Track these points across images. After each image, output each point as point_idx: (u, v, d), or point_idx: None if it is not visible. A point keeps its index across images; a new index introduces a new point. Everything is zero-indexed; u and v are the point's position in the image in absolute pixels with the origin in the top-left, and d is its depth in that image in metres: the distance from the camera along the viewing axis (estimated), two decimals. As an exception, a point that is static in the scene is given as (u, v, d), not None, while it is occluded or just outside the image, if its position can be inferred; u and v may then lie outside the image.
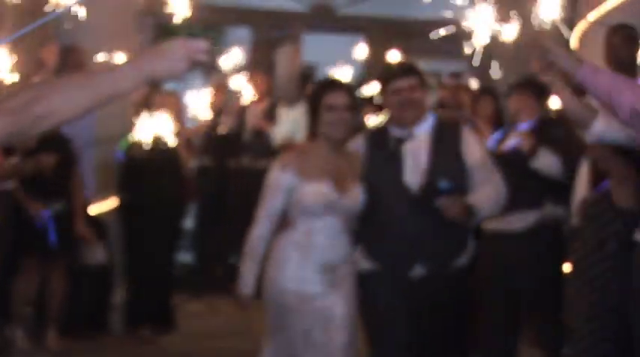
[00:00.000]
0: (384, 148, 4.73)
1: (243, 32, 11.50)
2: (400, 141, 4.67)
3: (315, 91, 4.78)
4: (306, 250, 4.44)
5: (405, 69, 4.91)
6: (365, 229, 4.73)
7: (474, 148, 4.77)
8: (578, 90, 5.47)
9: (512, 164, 5.59)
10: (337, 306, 4.49)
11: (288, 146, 9.06)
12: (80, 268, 7.08)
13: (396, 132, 4.72)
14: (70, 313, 7.08)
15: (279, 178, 4.47)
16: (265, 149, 9.26)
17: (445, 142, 4.69)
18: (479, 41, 5.80)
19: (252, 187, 9.24)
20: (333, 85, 4.78)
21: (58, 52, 6.32)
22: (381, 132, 4.92)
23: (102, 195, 7.58)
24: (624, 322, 4.85)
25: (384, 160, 4.71)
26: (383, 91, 4.86)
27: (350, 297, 4.58)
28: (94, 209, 7.44)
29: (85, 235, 6.93)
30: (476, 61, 5.84)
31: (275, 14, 10.89)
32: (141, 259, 7.50)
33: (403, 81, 4.67)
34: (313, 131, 4.64)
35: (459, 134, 4.77)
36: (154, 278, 7.53)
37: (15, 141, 2.21)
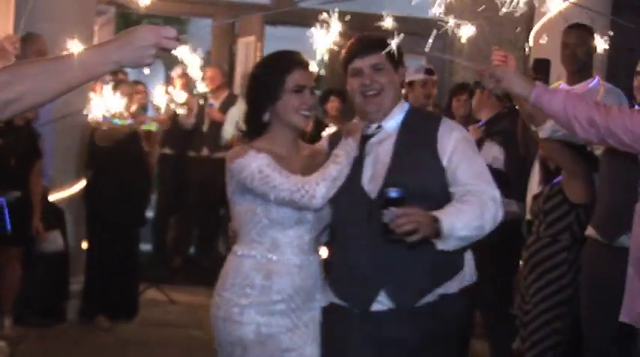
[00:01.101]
0: None
1: (206, 23, 11.48)
2: (365, 138, 3.52)
3: (274, 68, 3.52)
4: (270, 273, 3.41)
5: (365, 44, 3.55)
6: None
7: (456, 146, 3.49)
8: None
9: None
10: (306, 348, 3.51)
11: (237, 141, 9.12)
12: (37, 256, 7.03)
13: (362, 126, 3.58)
14: (27, 300, 7.04)
15: (262, 158, 3.34)
16: (221, 141, 9.33)
17: (417, 138, 3.51)
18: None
19: (210, 177, 9.36)
20: (299, 60, 3.53)
21: (18, 41, 6.28)
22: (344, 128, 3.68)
23: (61, 182, 7.53)
24: (576, 314, 4.95)
25: None
26: (345, 74, 3.62)
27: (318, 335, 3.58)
28: (53, 196, 7.42)
29: (39, 228, 6.89)
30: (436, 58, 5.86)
31: (238, 6, 10.86)
32: (104, 247, 7.46)
33: (363, 60, 3.49)
34: (259, 124, 3.52)
35: (434, 128, 3.51)
36: (117, 267, 7.49)
37: None
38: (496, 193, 3.45)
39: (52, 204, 7.34)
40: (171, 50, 2.34)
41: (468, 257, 3.57)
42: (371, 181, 3.47)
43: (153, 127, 8.04)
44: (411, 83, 7.35)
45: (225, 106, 9.55)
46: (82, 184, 7.71)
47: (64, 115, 6.78)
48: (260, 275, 3.40)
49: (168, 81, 10.56)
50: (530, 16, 8.03)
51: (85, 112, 6.76)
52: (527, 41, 7.90)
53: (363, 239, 3.41)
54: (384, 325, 3.41)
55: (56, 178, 7.44)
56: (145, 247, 9.28)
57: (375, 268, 3.39)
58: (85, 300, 7.46)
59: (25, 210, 6.76)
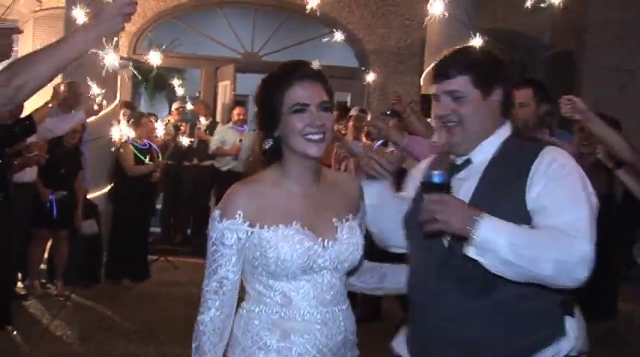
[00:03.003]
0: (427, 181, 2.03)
1: (197, 72, 11.51)
2: (452, 170, 2.11)
3: (273, 85, 2.05)
4: (286, 332, 2.00)
5: (443, 68, 2.13)
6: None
7: (548, 185, 1.97)
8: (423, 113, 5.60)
9: None
10: None
11: (219, 152, 9.21)
12: (79, 237, 7.06)
13: (452, 157, 2.21)
14: (73, 268, 7.04)
15: (222, 232, 1.98)
16: (208, 154, 9.44)
17: (506, 175, 2.05)
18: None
19: (199, 179, 9.47)
20: (301, 73, 2.04)
21: (65, 85, 6.35)
22: (439, 156, 2.33)
23: (96, 185, 7.55)
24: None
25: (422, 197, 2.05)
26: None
27: None
28: (91, 195, 7.43)
29: (79, 218, 6.92)
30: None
31: (218, 59, 10.95)
32: (125, 230, 7.45)
33: (440, 85, 2.14)
34: (265, 151, 2.07)
35: (529, 161, 2.02)
36: (135, 243, 7.49)
37: (3, 110, 2.15)
38: (586, 248, 1.87)
39: (90, 200, 7.36)
40: (132, 13, 2.08)
41: (575, 324, 2.02)
42: None
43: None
44: (349, 116, 7.11)
45: (210, 129, 9.61)
46: (109, 187, 7.74)
47: (96, 137, 6.86)
48: (275, 336, 2.00)
49: (170, 112, 10.62)
50: (421, 64, 8.24)
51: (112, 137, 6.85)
52: (420, 82, 8.09)
53: (435, 298, 2.07)
54: None
55: (93, 183, 7.43)
56: (156, 230, 9.26)
57: (448, 340, 2.05)
58: (112, 267, 7.45)
59: (70, 204, 6.79)
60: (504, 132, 2.15)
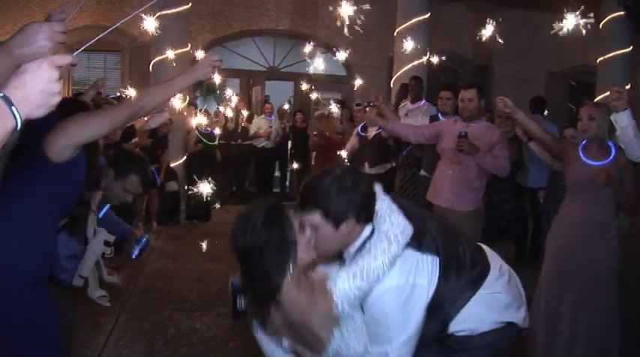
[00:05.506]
0: None
1: (235, 81, 11.32)
2: None
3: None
4: None
5: (301, 199, 1.69)
6: None
7: None
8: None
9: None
10: None
11: (256, 135, 9.07)
12: (165, 192, 7.02)
13: None
14: (162, 213, 7.04)
15: None
16: (248, 136, 9.27)
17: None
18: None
19: (242, 153, 9.34)
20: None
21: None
22: None
23: (174, 157, 7.44)
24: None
25: None
26: None
27: None
28: (172, 164, 7.34)
29: (163, 179, 6.88)
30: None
31: (250, 71, 10.75)
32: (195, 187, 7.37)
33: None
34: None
35: None
36: (202, 196, 7.34)
37: (130, 122, 2.00)
38: None
39: (171, 168, 7.29)
40: (219, 67, 2.02)
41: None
42: None
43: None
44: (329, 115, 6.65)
45: (248, 119, 9.45)
46: (184, 158, 7.62)
47: (175, 128, 6.73)
48: None
49: (219, 107, 10.43)
50: (390, 73, 8.15)
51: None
52: (390, 84, 7.98)
53: None
54: None
55: (172, 156, 7.32)
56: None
57: None
58: (187, 212, 7.41)
59: (158, 171, 6.70)
60: (363, 235, 1.64)
